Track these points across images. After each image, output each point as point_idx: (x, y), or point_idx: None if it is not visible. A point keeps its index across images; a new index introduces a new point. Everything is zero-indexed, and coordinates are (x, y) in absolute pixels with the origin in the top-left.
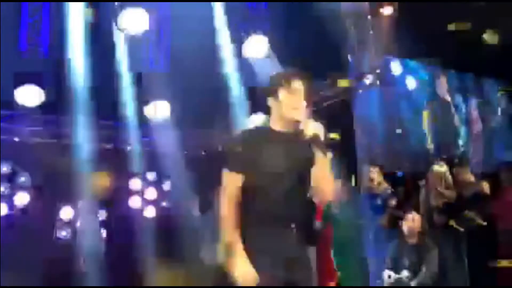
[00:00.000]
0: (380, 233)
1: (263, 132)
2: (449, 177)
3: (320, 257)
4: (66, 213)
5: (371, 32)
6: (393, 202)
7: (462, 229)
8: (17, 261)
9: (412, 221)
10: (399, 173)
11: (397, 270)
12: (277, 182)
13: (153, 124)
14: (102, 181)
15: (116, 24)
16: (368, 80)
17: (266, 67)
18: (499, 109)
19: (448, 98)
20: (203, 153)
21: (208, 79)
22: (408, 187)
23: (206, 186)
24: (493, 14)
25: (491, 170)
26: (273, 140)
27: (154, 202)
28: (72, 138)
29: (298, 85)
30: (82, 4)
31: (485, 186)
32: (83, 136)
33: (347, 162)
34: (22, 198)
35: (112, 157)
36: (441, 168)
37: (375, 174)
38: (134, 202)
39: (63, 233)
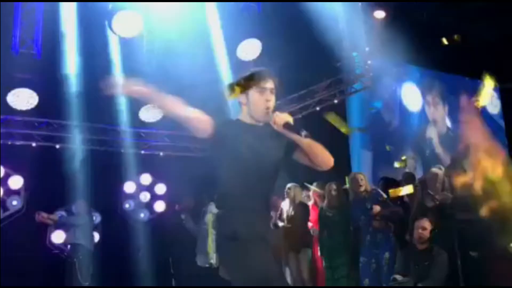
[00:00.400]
0: (374, 236)
1: (236, 124)
2: (446, 180)
3: (313, 258)
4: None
5: (364, 35)
6: (378, 207)
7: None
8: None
9: (423, 229)
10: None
11: (405, 275)
12: (250, 170)
13: (147, 127)
14: None
15: (109, 27)
16: (360, 83)
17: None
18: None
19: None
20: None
21: (202, 81)
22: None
23: (201, 188)
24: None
25: None
26: (246, 131)
27: (148, 205)
28: (65, 141)
29: (268, 84)
30: (75, 7)
31: (478, 189)
32: (76, 139)
33: (339, 165)
34: (15, 201)
35: (106, 160)
36: (439, 170)
37: (363, 179)
38: (128, 205)
39: (57, 237)
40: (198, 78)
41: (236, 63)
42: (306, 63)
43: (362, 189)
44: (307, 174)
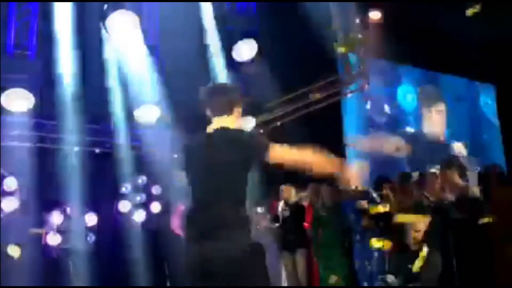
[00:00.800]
0: (363, 236)
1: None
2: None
3: (309, 258)
4: (55, 218)
5: (359, 36)
6: (366, 205)
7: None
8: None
9: (416, 231)
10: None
11: (397, 275)
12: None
13: (143, 127)
14: None
15: (104, 27)
16: (356, 83)
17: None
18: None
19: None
20: None
21: (198, 82)
22: (396, 189)
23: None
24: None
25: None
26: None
27: (144, 206)
28: (60, 142)
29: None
30: (69, 7)
31: (474, 189)
32: (71, 140)
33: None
34: (10, 203)
35: (101, 161)
36: (437, 171)
37: (354, 180)
38: (123, 206)
39: (52, 238)
40: (193, 79)
41: (231, 63)
42: (301, 64)
43: (354, 188)
44: (303, 175)
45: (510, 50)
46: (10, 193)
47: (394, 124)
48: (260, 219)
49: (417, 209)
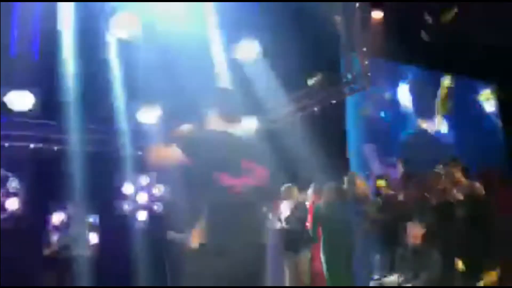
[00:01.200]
0: (365, 238)
1: None
2: (447, 180)
3: (312, 259)
4: (57, 218)
5: (361, 35)
6: (373, 209)
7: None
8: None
9: (414, 238)
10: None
11: (392, 274)
12: None
13: (145, 127)
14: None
15: (107, 28)
16: (358, 83)
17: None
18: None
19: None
20: None
21: (200, 81)
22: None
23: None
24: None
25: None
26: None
27: (146, 206)
28: (63, 142)
29: None
30: (73, 8)
31: (478, 187)
32: (74, 140)
33: (338, 166)
34: (13, 203)
35: (104, 162)
36: (440, 171)
37: (358, 181)
38: (125, 206)
39: (54, 238)
40: (196, 78)
41: (233, 63)
42: (304, 63)
43: (358, 191)
44: (306, 175)
45: None
46: (13, 194)
47: (396, 124)
48: None
49: (420, 209)
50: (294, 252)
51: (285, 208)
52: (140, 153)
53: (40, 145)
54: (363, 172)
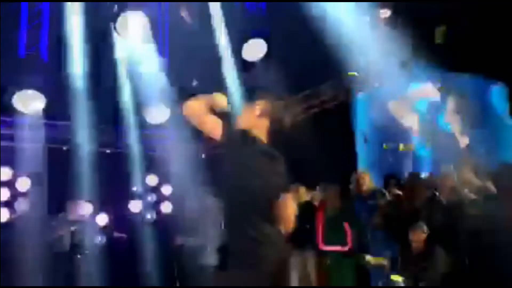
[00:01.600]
0: (377, 235)
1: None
2: (457, 180)
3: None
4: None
5: (369, 34)
6: (382, 203)
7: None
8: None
9: (417, 242)
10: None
11: (402, 274)
12: None
13: (153, 127)
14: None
15: (114, 29)
16: (366, 83)
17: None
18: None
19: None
20: (203, 156)
21: (208, 82)
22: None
23: (206, 188)
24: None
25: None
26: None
27: (154, 206)
28: (72, 143)
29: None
30: (81, 9)
31: (489, 185)
32: (83, 140)
33: (345, 165)
34: (23, 203)
35: (112, 162)
36: (450, 170)
37: (365, 178)
38: (134, 206)
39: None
40: (203, 79)
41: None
42: (311, 63)
43: (364, 188)
44: (314, 175)
45: None
46: (23, 194)
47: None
48: None
49: (428, 209)
50: (301, 251)
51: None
52: (149, 152)
53: (50, 145)
54: (372, 172)
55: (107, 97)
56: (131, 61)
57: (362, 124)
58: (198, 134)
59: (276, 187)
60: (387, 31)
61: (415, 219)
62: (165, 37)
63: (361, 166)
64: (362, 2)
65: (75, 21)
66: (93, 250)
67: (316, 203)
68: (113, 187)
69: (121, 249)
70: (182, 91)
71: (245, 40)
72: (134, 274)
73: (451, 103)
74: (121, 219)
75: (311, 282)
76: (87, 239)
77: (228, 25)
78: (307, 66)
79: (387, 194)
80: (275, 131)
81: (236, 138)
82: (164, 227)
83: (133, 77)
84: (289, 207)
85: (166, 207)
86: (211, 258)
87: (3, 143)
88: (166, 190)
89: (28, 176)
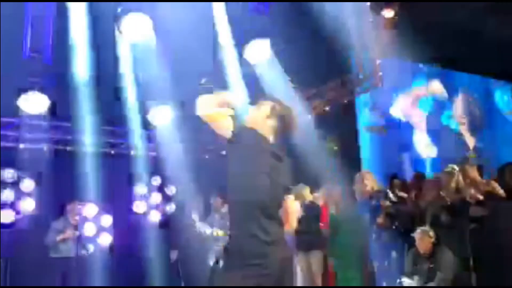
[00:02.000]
0: (381, 234)
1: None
2: (461, 179)
3: (325, 259)
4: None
5: (373, 34)
6: (387, 202)
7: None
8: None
9: (424, 247)
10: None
11: (411, 276)
12: None
13: (157, 128)
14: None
15: (118, 30)
16: (369, 82)
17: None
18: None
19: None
20: (206, 157)
21: (211, 83)
22: (409, 189)
23: (209, 189)
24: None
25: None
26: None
27: (158, 207)
28: (76, 144)
29: None
30: (84, 11)
31: (495, 186)
32: (87, 142)
33: (349, 165)
34: (27, 204)
35: (116, 163)
36: (453, 170)
37: (369, 179)
38: (138, 207)
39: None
40: (206, 79)
41: (243, 63)
42: (315, 63)
43: (368, 188)
44: (318, 175)
45: None
46: (27, 195)
47: (402, 125)
48: None
49: (434, 209)
50: (307, 252)
51: (297, 208)
52: (152, 153)
53: (54, 146)
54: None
55: (110, 97)
56: (135, 62)
57: (365, 124)
58: (201, 134)
59: (282, 187)
60: (390, 31)
61: (420, 220)
62: (168, 37)
63: (365, 166)
64: (363, 2)
65: (79, 22)
66: (97, 251)
67: (320, 203)
68: (117, 188)
69: (125, 250)
70: (186, 92)
71: (248, 40)
72: (138, 274)
73: (458, 103)
74: (125, 220)
75: (315, 282)
76: (91, 240)
77: (231, 25)
78: (310, 66)
79: (391, 194)
80: (283, 132)
81: (244, 137)
82: (168, 228)
83: (137, 78)
84: (292, 208)
85: (171, 208)
86: (215, 258)
87: (7, 144)
88: (170, 190)
89: (32, 177)
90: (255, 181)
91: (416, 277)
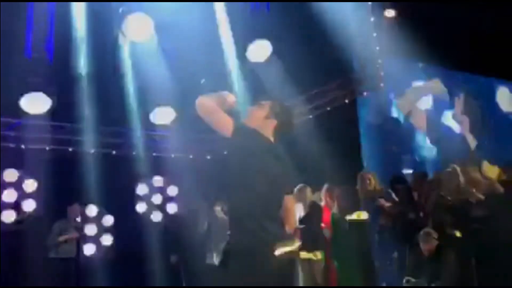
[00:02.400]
0: (381, 235)
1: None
2: (463, 179)
3: (326, 259)
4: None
5: (374, 34)
6: (389, 203)
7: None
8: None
9: (427, 242)
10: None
11: (416, 276)
12: None
13: (159, 129)
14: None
15: (120, 30)
16: (371, 83)
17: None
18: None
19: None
20: (207, 157)
21: (212, 83)
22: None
23: (211, 189)
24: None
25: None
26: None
27: (160, 207)
28: (78, 144)
29: None
30: (86, 11)
31: (497, 185)
32: (88, 142)
33: (351, 166)
34: (30, 205)
35: (118, 163)
36: (454, 169)
37: (371, 179)
38: (140, 207)
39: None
40: (208, 80)
41: (245, 64)
42: (316, 63)
43: (371, 188)
44: (319, 175)
45: None
46: (30, 195)
47: (403, 125)
48: None
49: (436, 209)
50: (308, 252)
51: (298, 208)
52: (155, 153)
53: (56, 147)
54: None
55: (112, 98)
56: (136, 62)
57: (367, 125)
58: (203, 134)
59: (282, 186)
60: (392, 31)
61: (423, 220)
62: (170, 37)
63: (366, 166)
64: (365, 2)
65: (80, 22)
66: (98, 251)
67: (322, 203)
68: (119, 189)
69: (127, 250)
70: (188, 92)
71: (250, 40)
72: (140, 274)
73: (459, 103)
74: (127, 220)
75: (317, 283)
76: (93, 241)
77: (233, 25)
78: (311, 66)
79: (393, 194)
80: (282, 132)
81: (243, 137)
82: (170, 228)
83: (139, 78)
84: (292, 207)
85: (172, 208)
86: (216, 258)
87: (9, 145)
88: (172, 191)
89: (33, 177)
90: (255, 180)
91: (420, 278)
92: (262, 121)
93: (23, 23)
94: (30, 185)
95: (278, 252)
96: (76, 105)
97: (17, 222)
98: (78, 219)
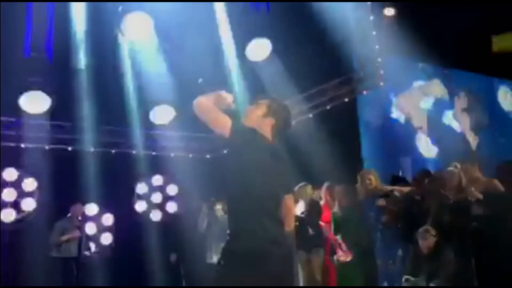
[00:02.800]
0: (384, 234)
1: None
2: (464, 178)
3: (325, 257)
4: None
5: (374, 33)
6: (382, 200)
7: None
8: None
9: (425, 239)
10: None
11: (415, 275)
12: None
13: (158, 128)
14: None
15: (119, 29)
16: (371, 81)
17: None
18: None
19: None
20: (207, 156)
21: (211, 82)
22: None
23: (211, 188)
24: None
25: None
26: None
27: (160, 206)
28: (77, 143)
29: None
30: (85, 10)
31: (497, 184)
32: (88, 141)
33: (351, 164)
34: (29, 204)
35: (117, 162)
36: (455, 168)
37: (372, 177)
38: (139, 206)
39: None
40: (208, 79)
41: (244, 63)
42: (316, 62)
43: (372, 186)
44: (319, 173)
45: None
46: (29, 194)
47: (403, 124)
48: None
49: (436, 208)
50: (307, 250)
51: (298, 207)
52: (154, 152)
53: (55, 146)
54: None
55: (111, 97)
56: (136, 61)
57: (366, 124)
58: (202, 134)
59: (281, 186)
60: (391, 30)
61: (424, 218)
62: (169, 36)
63: (366, 165)
64: (364, 1)
65: (80, 21)
66: (99, 250)
67: (322, 202)
68: (118, 188)
69: (126, 249)
70: (188, 91)
71: (249, 39)
72: (140, 274)
73: (459, 102)
74: (126, 219)
75: (317, 281)
76: (93, 240)
77: (232, 24)
78: (311, 65)
79: (396, 192)
80: (280, 130)
81: (242, 136)
82: (169, 227)
83: (138, 77)
84: (291, 207)
85: (172, 207)
86: (216, 257)
87: (9, 144)
88: (172, 190)
89: (33, 177)
90: (255, 179)
91: (419, 276)
92: (260, 119)
93: (22, 22)
94: (30, 184)
95: None
96: (76, 104)
97: (16, 221)
98: (80, 218)
